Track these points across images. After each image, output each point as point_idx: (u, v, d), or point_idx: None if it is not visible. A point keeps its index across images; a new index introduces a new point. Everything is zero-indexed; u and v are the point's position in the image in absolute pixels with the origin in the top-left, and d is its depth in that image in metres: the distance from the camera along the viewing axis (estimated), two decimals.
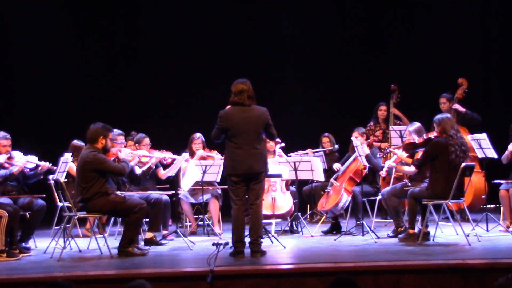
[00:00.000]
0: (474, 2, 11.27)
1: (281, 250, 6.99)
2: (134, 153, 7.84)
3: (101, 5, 11.47)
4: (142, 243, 7.42)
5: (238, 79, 6.69)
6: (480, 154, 8.18)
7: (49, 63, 11.30)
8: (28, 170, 7.62)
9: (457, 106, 9.06)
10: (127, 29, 11.64)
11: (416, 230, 7.20)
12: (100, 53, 11.50)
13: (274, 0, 11.76)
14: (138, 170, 8.13)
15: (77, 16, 11.40)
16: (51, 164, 7.70)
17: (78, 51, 11.36)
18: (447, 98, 9.18)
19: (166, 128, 10.85)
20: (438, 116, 7.34)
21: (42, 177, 7.81)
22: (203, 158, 8.54)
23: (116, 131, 8.10)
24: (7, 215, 6.83)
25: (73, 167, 8.15)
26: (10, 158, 7.40)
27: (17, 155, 7.52)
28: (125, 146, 8.15)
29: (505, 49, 10.96)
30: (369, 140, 8.45)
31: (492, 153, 8.08)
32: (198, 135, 8.83)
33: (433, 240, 7.23)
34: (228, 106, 6.68)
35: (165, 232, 8.07)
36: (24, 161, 7.49)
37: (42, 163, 7.62)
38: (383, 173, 8.09)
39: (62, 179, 7.47)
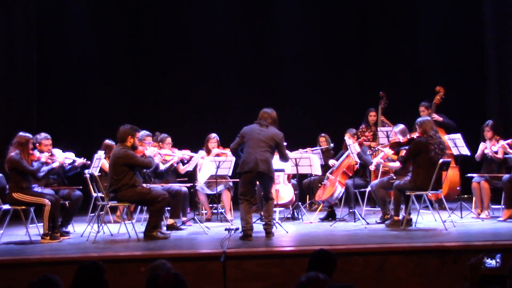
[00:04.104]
0: (449, 21, 11.25)
1: (284, 234, 7.02)
2: (159, 152, 7.89)
3: (131, 16, 11.55)
4: (164, 228, 7.43)
5: (265, 108, 7.01)
6: (455, 152, 8.18)
7: (87, 76, 11.33)
8: (66, 164, 7.68)
9: (435, 116, 8.97)
10: (151, 38, 11.63)
11: (400, 217, 7.20)
12: (130, 67, 11.52)
13: (277, 9, 11.68)
14: (162, 167, 8.19)
15: (109, 26, 11.40)
16: (85, 159, 7.76)
17: (110, 63, 11.38)
18: (425, 106, 9.11)
19: (185, 129, 10.86)
20: (420, 119, 7.36)
21: (79, 170, 7.87)
22: (217, 155, 8.56)
23: (144, 132, 8.15)
24: (49, 203, 6.87)
25: (105, 163, 8.19)
26: (51, 155, 7.45)
27: (57, 152, 7.58)
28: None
29: (476, 60, 10.93)
30: (359, 140, 8.47)
31: (465, 151, 8.07)
32: (213, 135, 8.85)
33: (415, 225, 7.23)
34: None
35: (184, 219, 8.10)
36: (63, 158, 7.55)
37: (78, 159, 7.68)
38: (372, 167, 8.12)
39: (96, 173, 7.53)
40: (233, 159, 7.81)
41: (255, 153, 6.66)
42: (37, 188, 7.27)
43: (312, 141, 9.70)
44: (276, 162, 8.01)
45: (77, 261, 5.10)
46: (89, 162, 7.80)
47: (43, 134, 7.54)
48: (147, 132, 8.28)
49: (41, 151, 7.36)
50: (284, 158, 7.09)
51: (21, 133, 7.13)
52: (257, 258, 5.70)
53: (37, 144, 7.41)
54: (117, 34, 11.47)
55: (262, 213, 6.94)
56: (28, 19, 10.23)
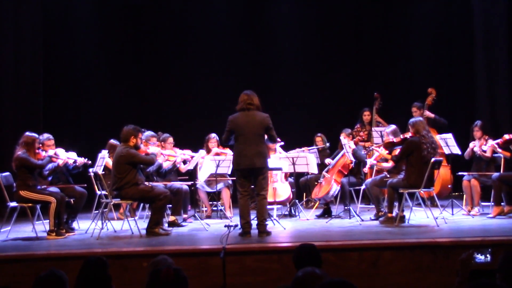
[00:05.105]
0: (440, 24, 11.28)
1: (282, 231, 7.01)
2: (162, 153, 7.88)
3: (133, 19, 11.54)
4: (166, 225, 7.44)
5: (245, 91, 6.77)
6: (446, 151, 8.20)
7: (91, 78, 11.33)
8: (71, 163, 7.67)
9: (427, 113, 9.01)
10: (152, 41, 11.61)
11: (393, 214, 7.21)
12: (132, 69, 11.50)
13: (275, 12, 11.67)
14: (164, 165, 8.18)
15: (112, 29, 11.38)
16: (86, 159, 7.74)
17: (113, 66, 11.38)
18: (417, 107, 9.11)
19: (186, 129, 10.85)
20: (412, 120, 7.39)
21: (81, 169, 7.84)
22: (217, 154, 8.56)
23: (149, 133, 8.13)
24: (55, 201, 6.87)
25: (109, 161, 8.18)
26: (55, 153, 7.45)
27: (60, 152, 7.57)
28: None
29: (466, 62, 10.94)
30: (354, 139, 8.48)
31: (456, 150, 8.09)
32: (213, 135, 8.84)
33: (408, 222, 7.24)
34: None
35: (185, 215, 8.10)
36: (65, 157, 7.55)
37: (79, 159, 7.66)
38: (366, 169, 8.13)
39: (100, 171, 7.53)
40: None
41: (249, 149, 6.52)
42: (43, 187, 7.26)
43: (309, 141, 9.70)
44: (274, 161, 8.03)
45: (81, 257, 5.10)
46: (89, 162, 7.79)
47: (45, 135, 7.55)
48: (152, 133, 8.26)
49: (45, 151, 7.35)
50: (273, 140, 6.87)
51: (27, 133, 7.13)
52: (256, 254, 5.70)
53: (40, 145, 7.40)
54: (120, 37, 11.46)
55: None
56: (34, 23, 10.21)
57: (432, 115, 9.01)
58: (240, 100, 6.71)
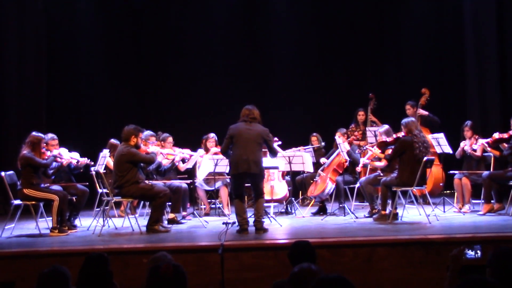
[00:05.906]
0: (432, 27, 11.31)
1: (278, 228, 7.02)
2: (161, 152, 7.89)
3: (134, 21, 11.56)
4: (165, 222, 7.43)
5: (247, 106, 6.82)
6: (438, 150, 8.20)
7: (93, 78, 11.32)
8: (74, 163, 7.67)
9: (421, 111, 9.03)
10: (152, 43, 11.62)
11: (387, 212, 7.22)
12: (133, 70, 11.51)
13: (273, 15, 11.70)
14: (164, 162, 8.18)
15: (113, 30, 11.41)
16: (89, 160, 7.74)
17: (114, 67, 11.39)
18: (411, 105, 9.13)
19: (185, 128, 10.85)
20: (405, 120, 7.40)
21: (82, 170, 7.84)
22: (216, 153, 8.56)
23: (148, 132, 8.14)
24: (58, 199, 6.87)
25: (110, 161, 8.17)
26: (59, 153, 7.45)
27: (64, 152, 7.57)
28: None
29: (457, 64, 10.96)
30: (349, 139, 8.49)
31: (448, 149, 8.10)
32: (212, 134, 8.84)
33: (401, 219, 7.24)
34: None
35: (184, 213, 8.10)
36: (69, 157, 7.55)
37: (81, 159, 7.66)
38: (359, 168, 8.15)
39: (102, 170, 7.53)
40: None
41: (246, 154, 6.51)
42: (46, 185, 7.27)
43: (305, 140, 9.71)
44: (270, 160, 8.04)
45: (83, 253, 5.09)
46: (92, 162, 7.79)
47: (50, 135, 7.55)
48: (151, 132, 8.27)
49: (49, 151, 7.35)
50: (273, 153, 6.93)
51: (34, 133, 7.14)
52: (253, 250, 5.71)
53: (44, 144, 7.40)
54: (121, 39, 11.47)
55: None
56: (37, 26, 10.21)
57: (426, 113, 9.01)
58: (241, 114, 6.78)
